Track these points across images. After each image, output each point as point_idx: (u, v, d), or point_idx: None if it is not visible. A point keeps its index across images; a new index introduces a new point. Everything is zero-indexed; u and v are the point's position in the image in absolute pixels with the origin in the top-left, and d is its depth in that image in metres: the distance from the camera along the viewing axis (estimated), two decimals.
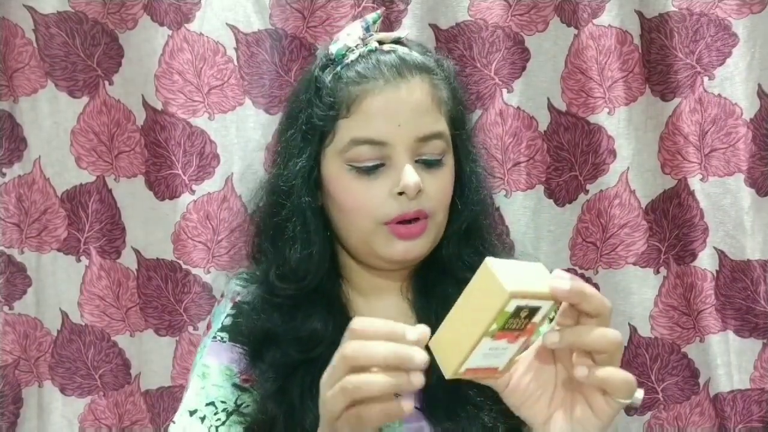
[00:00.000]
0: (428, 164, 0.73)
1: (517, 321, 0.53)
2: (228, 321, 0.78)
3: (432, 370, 0.58)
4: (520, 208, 1.04)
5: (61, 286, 1.05)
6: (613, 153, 1.02)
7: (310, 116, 0.74)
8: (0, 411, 1.05)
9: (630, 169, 1.02)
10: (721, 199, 1.02)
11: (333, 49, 0.76)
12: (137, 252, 1.04)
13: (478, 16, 1.01)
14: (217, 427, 0.72)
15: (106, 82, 1.02)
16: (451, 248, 0.78)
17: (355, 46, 0.75)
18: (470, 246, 0.79)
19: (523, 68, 1.02)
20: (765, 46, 0.99)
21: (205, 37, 1.01)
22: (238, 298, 0.80)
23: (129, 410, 1.07)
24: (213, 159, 1.03)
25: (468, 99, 0.85)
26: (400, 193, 0.71)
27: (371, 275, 0.79)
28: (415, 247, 0.73)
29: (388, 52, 0.75)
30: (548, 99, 1.03)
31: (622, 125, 1.02)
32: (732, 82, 1.00)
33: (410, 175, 0.70)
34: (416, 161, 0.72)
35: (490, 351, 0.54)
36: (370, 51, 0.75)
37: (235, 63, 1.02)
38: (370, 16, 0.78)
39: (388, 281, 0.80)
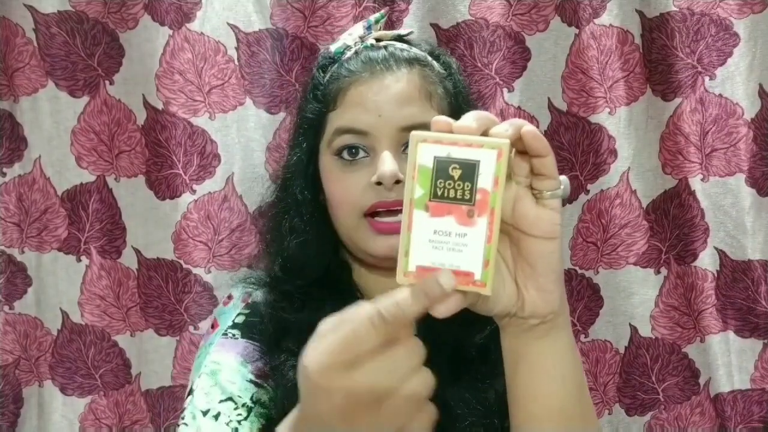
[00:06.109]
0: None
1: (451, 184, 0.44)
2: (240, 319, 0.76)
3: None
4: None
5: (61, 285, 1.05)
6: (613, 153, 1.02)
7: (305, 112, 0.77)
8: (0, 411, 1.05)
9: (631, 169, 1.02)
10: (722, 199, 1.02)
11: (333, 48, 0.79)
12: (138, 252, 1.04)
13: (479, 15, 1.01)
14: (239, 422, 0.67)
15: (107, 82, 1.02)
16: None
17: (354, 44, 0.77)
18: None
19: (524, 68, 1.02)
20: (766, 46, 0.99)
21: (205, 37, 1.01)
22: (251, 299, 0.79)
23: (129, 410, 1.07)
24: (214, 159, 1.02)
25: (473, 98, 0.84)
26: (379, 183, 0.69)
27: (373, 276, 0.79)
28: None
29: (380, 48, 0.76)
30: (549, 99, 1.02)
31: (623, 125, 1.02)
32: (733, 82, 1.00)
33: (387, 163, 0.69)
34: (404, 151, 0.71)
35: (436, 237, 0.45)
36: (365, 48, 0.76)
37: (236, 62, 1.02)
38: (374, 16, 0.81)
39: (389, 287, 0.78)
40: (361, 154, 0.72)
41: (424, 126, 0.70)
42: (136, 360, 1.07)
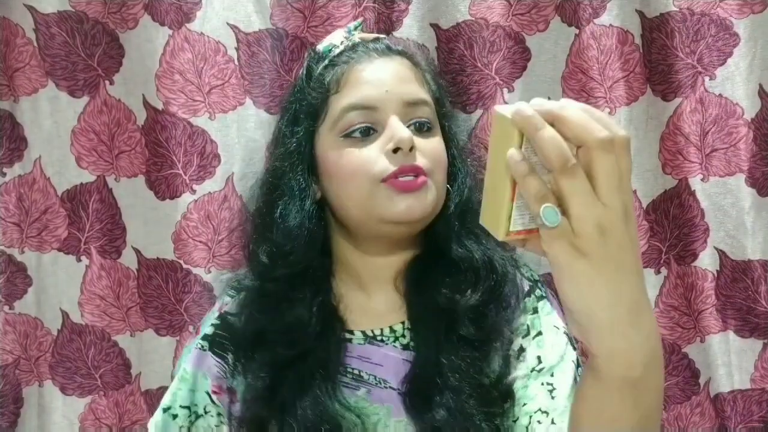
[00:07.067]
0: (420, 129, 0.74)
1: None
2: (210, 331, 0.79)
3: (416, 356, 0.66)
4: None
5: (61, 285, 1.05)
6: None
7: (302, 100, 0.78)
8: (0, 411, 1.05)
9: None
10: (722, 199, 1.02)
11: (320, 47, 0.81)
12: (138, 252, 1.04)
13: (479, 15, 1.01)
14: (188, 428, 0.76)
15: (107, 82, 1.02)
16: (447, 229, 0.77)
17: (340, 43, 0.80)
18: (466, 228, 0.78)
19: (524, 68, 1.02)
20: (766, 46, 0.99)
21: (205, 37, 1.01)
22: (225, 308, 0.81)
23: (129, 410, 1.07)
24: (214, 159, 1.03)
25: (448, 91, 0.88)
26: (395, 151, 0.71)
27: (369, 261, 0.79)
28: (419, 202, 0.71)
29: (373, 41, 0.80)
30: (549, 99, 1.02)
31: (623, 125, 1.02)
32: (733, 82, 1.00)
33: (402, 129, 0.71)
34: (408, 126, 0.73)
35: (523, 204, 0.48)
36: (355, 44, 0.80)
37: (236, 63, 1.02)
38: (352, 24, 0.83)
39: (386, 268, 0.79)
40: (371, 128, 0.73)
41: (426, 102, 0.75)
42: (136, 360, 1.07)
